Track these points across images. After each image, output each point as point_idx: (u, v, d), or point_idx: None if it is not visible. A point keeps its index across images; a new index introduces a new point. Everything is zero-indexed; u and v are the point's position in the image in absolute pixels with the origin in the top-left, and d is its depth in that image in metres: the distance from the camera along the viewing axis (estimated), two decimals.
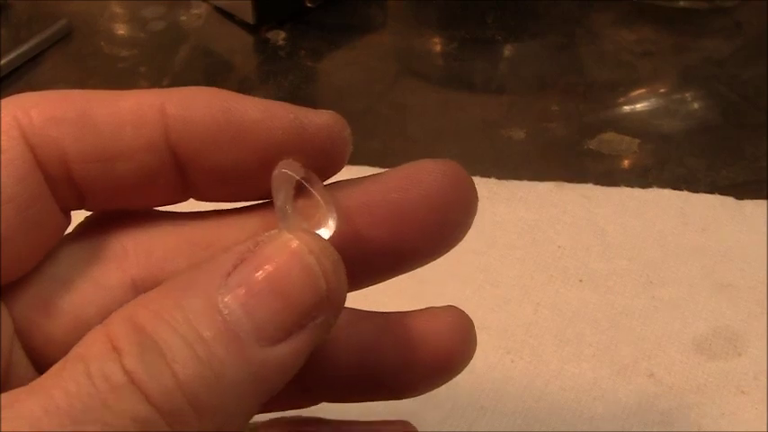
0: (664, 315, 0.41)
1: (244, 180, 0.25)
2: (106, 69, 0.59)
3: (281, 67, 0.58)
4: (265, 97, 0.54)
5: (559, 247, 0.44)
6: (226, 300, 0.22)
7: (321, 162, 0.25)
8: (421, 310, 0.28)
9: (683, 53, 0.58)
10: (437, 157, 0.48)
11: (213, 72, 0.59)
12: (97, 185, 0.24)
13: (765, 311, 0.41)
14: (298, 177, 0.24)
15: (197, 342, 0.21)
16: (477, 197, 0.27)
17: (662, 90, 0.56)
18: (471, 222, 0.28)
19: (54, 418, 0.19)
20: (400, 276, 0.42)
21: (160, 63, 0.59)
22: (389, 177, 0.26)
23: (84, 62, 0.59)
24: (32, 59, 0.58)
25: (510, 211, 0.46)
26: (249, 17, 0.60)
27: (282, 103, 0.25)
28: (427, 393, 0.38)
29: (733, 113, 0.53)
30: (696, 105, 0.54)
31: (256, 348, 0.21)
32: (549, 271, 0.43)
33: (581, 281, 0.42)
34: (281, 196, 0.24)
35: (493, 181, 0.48)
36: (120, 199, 0.25)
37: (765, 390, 0.38)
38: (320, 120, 0.25)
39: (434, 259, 0.28)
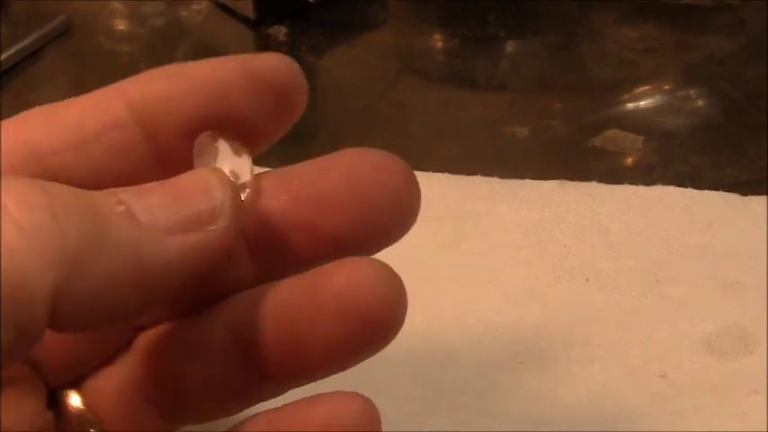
0: (672, 314, 0.41)
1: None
2: (106, 65, 0.58)
3: None
4: None
5: (565, 246, 0.44)
6: (125, 193, 0.23)
7: (277, 103, 0.27)
8: (338, 261, 0.25)
9: (685, 51, 0.58)
10: (438, 156, 0.48)
11: None
12: (76, 175, 0.25)
13: None
14: (219, 144, 0.26)
15: (87, 208, 0.22)
16: (410, 185, 0.27)
17: (665, 87, 0.55)
18: (409, 212, 0.27)
19: None
20: (405, 279, 0.42)
21: (160, 59, 0.58)
22: (312, 161, 0.27)
23: (83, 58, 0.59)
24: (31, 55, 0.58)
25: (513, 210, 0.45)
26: (250, 13, 0.60)
27: (231, 56, 0.27)
28: (432, 395, 0.38)
29: (736, 111, 0.53)
30: (699, 103, 0.54)
31: (147, 230, 0.22)
32: (556, 271, 0.43)
33: (587, 280, 0.42)
34: (201, 162, 0.26)
35: (495, 180, 0.47)
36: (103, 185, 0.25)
37: None
38: (269, 62, 0.27)
39: (372, 250, 0.27)
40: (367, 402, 0.26)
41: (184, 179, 0.24)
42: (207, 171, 0.25)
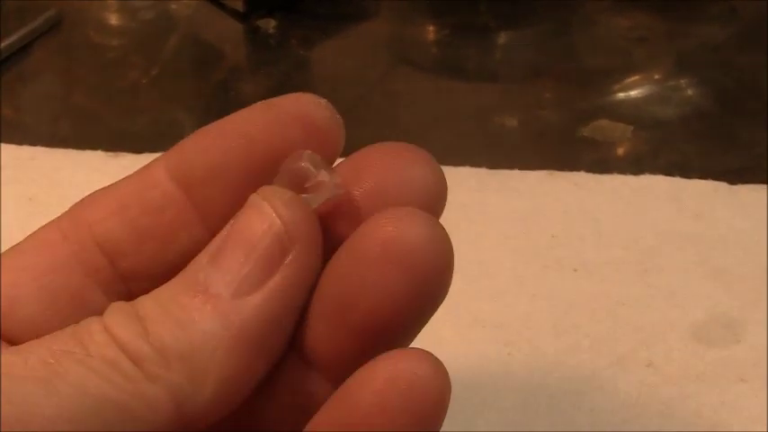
0: (660, 303, 0.41)
1: (241, 175, 0.25)
2: (95, 59, 0.58)
3: (271, 55, 0.58)
4: (256, 86, 0.54)
5: (553, 236, 0.44)
6: (204, 268, 0.23)
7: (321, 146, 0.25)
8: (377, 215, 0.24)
9: (677, 39, 0.58)
10: (428, 146, 0.48)
11: (203, 61, 0.59)
12: (117, 236, 0.25)
13: (762, 298, 0.40)
14: (302, 164, 0.24)
15: (172, 304, 0.22)
16: (440, 181, 0.26)
17: (656, 77, 0.55)
18: (440, 208, 0.27)
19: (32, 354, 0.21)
20: None
21: (150, 52, 0.58)
22: (347, 160, 0.26)
23: (73, 52, 0.59)
24: (22, 49, 0.58)
25: (502, 200, 0.45)
26: (239, 5, 0.59)
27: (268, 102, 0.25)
28: None
29: (728, 100, 0.53)
30: (691, 92, 0.54)
31: (229, 302, 0.22)
32: (544, 261, 0.43)
33: (576, 270, 0.42)
34: (276, 178, 0.24)
35: (484, 171, 0.47)
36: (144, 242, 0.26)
37: (765, 377, 0.38)
38: (307, 104, 0.25)
39: None
40: (437, 360, 0.24)
41: (244, 222, 0.23)
42: (258, 200, 0.23)
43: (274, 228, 0.23)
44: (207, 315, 0.22)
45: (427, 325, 0.39)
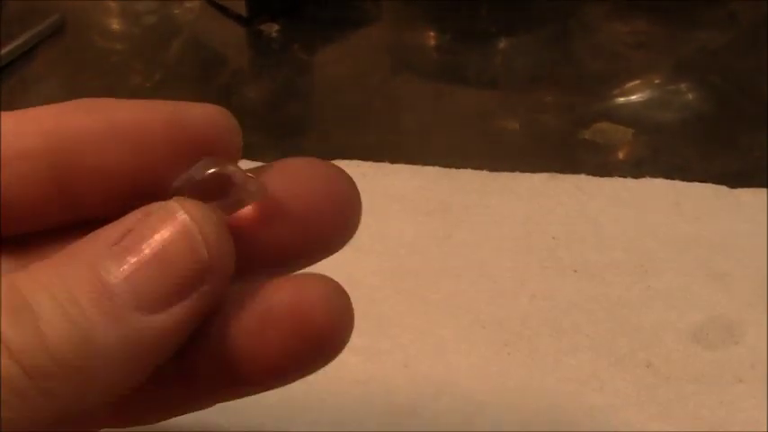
0: (660, 305, 0.41)
1: (130, 186, 0.25)
2: (99, 63, 0.59)
3: (274, 60, 0.58)
4: (259, 90, 0.55)
5: (553, 238, 0.44)
6: (106, 264, 0.21)
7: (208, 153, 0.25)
8: (285, 277, 0.24)
9: (676, 44, 0.58)
10: (429, 150, 0.48)
11: (206, 65, 0.59)
12: None
13: (761, 300, 0.41)
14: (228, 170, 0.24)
15: (70, 304, 0.21)
16: (354, 198, 0.26)
17: (656, 81, 0.56)
18: (353, 226, 0.26)
19: None
20: (391, 269, 0.42)
21: (153, 57, 0.59)
22: (256, 169, 0.26)
23: (76, 56, 0.59)
24: (25, 54, 0.58)
25: (503, 203, 0.46)
26: (242, 10, 0.60)
27: (161, 100, 0.25)
28: (422, 386, 0.38)
29: (727, 104, 0.53)
30: (690, 96, 0.54)
31: (134, 315, 0.21)
32: (544, 262, 0.43)
33: (576, 271, 0.42)
34: (183, 176, 0.24)
35: (485, 173, 0.47)
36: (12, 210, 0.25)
37: (763, 379, 0.38)
38: (198, 112, 0.25)
39: (311, 262, 0.27)
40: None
41: (168, 239, 0.22)
42: (186, 221, 0.22)
43: (199, 256, 0.22)
44: (109, 327, 0.21)
45: (428, 325, 0.40)
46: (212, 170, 0.24)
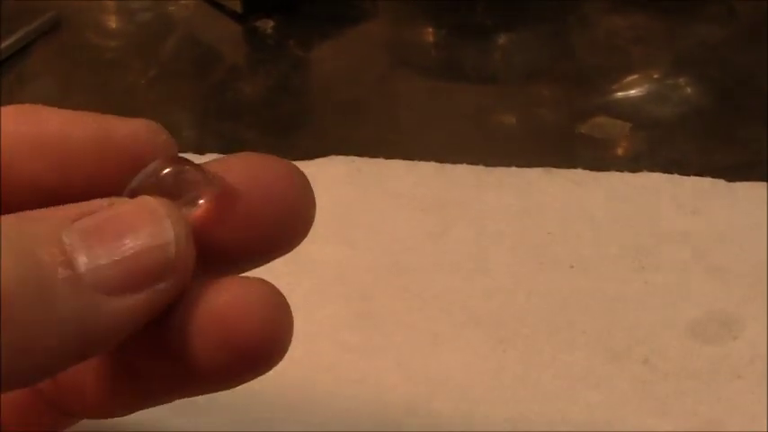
0: (657, 300, 0.40)
1: (59, 196, 0.24)
2: (94, 60, 0.59)
3: (269, 56, 0.58)
4: (254, 87, 0.55)
5: (549, 233, 0.44)
6: (70, 235, 0.21)
7: (133, 171, 0.24)
8: (224, 279, 0.24)
9: (675, 39, 0.58)
10: (426, 146, 0.48)
11: (201, 62, 0.59)
12: None
13: (760, 295, 0.40)
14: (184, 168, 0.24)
15: (27, 254, 0.20)
16: (308, 195, 0.26)
17: (655, 76, 0.55)
18: (306, 224, 0.26)
19: None
20: (386, 266, 0.42)
21: (148, 53, 0.58)
22: (209, 163, 0.25)
23: (71, 54, 0.59)
24: (20, 51, 0.58)
25: (498, 198, 0.45)
26: (237, 7, 0.60)
27: (91, 113, 0.25)
28: (416, 384, 0.38)
29: (726, 98, 0.53)
30: (689, 90, 0.54)
31: (89, 291, 0.21)
32: (540, 258, 0.42)
33: (572, 267, 0.42)
34: (138, 177, 0.24)
35: (480, 168, 0.47)
36: None
37: (763, 374, 0.37)
38: (127, 128, 0.24)
39: (261, 261, 0.26)
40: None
41: (139, 232, 0.22)
42: (164, 219, 0.22)
43: (166, 253, 0.22)
44: (65, 293, 0.21)
45: (422, 322, 0.40)
46: (168, 170, 0.23)
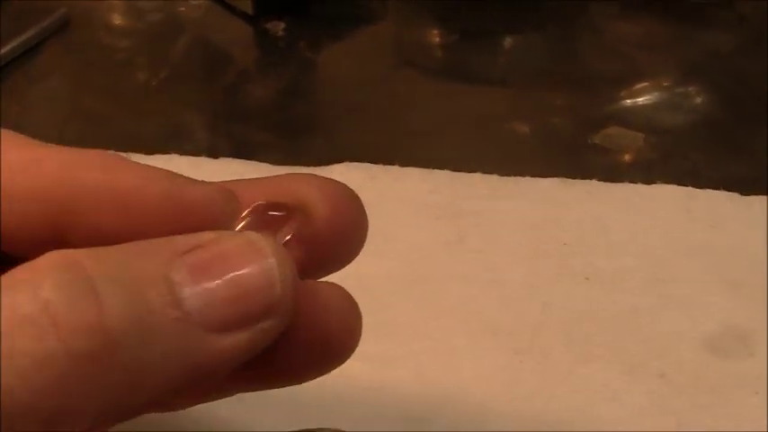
0: (673, 313, 0.40)
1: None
2: (103, 60, 0.58)
3: (280, 58, 0.58)
4: (265, 90, 0.55)
5: (565, 244, 0.44)
6: (179, 272, 0.21)
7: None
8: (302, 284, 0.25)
9: (685, 46, 0.58)
10: (437, 151, 0.48)
11: (212, 64, 0.58)
12: None
13: None
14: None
15: (137, 294, 0.20)
16: (362, 216, 0.27)
17: (665, 84, 0.55)
18: (360, 241, 0.28)
19: None
20: (402, 275, 0.42)
21: (158, 54, 0.58)
22: (258, 181, 0.27)
23: (81, 53, 0.59)
24: (30, 50, 0.58)
25: (513, 208, 0.45)
26: (248, 8, 0.59)
27: (165, 171, 0.25)
28: (433, 394, 0.38)
29: (738, 107, 0.53)
30: (700, 99, 0.54)
31: (198, 329, 0.21)
32: (556, 269, 0.43)
33: (588, 279, 0.42)
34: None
35: (495, 178, 0.47)
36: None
37: None
38: (197, 192, 0.25)
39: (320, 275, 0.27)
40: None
41: (248, 269, 0.22)
42: (271, 259, 0.22)
43: (272, 292, 0.22)
44: (171, 333, 0.21)
45: (439, 332, 0.40)
46: (275, 213, 0.25)
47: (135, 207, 0.24)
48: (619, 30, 0.60)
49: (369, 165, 0.47)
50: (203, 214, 0.24)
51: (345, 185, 0.27)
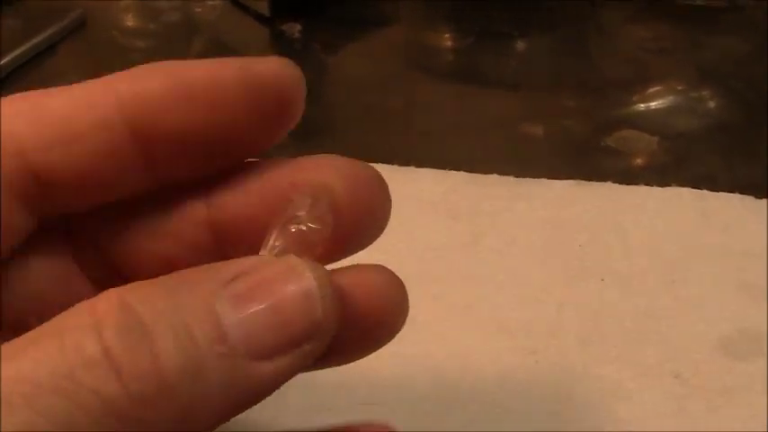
0: (687, 315, 0.41)
1: (204, 145, 0.25)
2: (120, 60, 0.58)
3: (295, 60, 0.57)
4: None
5: (580, 246, 0.44)
6: (222, 305, 0.22)
7: (276, 110, 0.25)
8: (346, 267, 0.26)
9: (698, 51, 0.58)
10: (451, 153, 0.48)
11: None
12: (59, 176, 0.24)
13: None
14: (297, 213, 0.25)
15: (185, 335, 0.21)
16: (385, 198, 0.28)
17: (679, 88, 0.55)
18: (383, 223, 0.28)
19: (15, 385, 0.19)
20: (418, 274, 0.42)
21: (174, 55, 0.58)
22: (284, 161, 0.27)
23: (97, 53, 0.59)
24: (47, 50, 0.58)
25: (529, 209, 0.46)
26: (264, 10, 0.60)
27: (228, 57, 0.25)
28: (448, 393, 0.38)
29: (750, 112, 0.53)
30: (713, 103, 0.54)
31: (242, 360, 0.21)
32: (571, 270, 0.43)
33: (603, 280, 0.42)
34: (274, 234, 0.25)
35: (511, 179, 0.47)
36: (87, 191, 0.25)
37: None
38: (265, 65, 0.25)
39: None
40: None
41: (289, 294, 0.22)
42: (311, 282, 0.23)
43: (314, 316, 0.23)
44: (218, 367, 0.21)
45: (455, 332, 0.40)
46: (294, 229, 0.24)
47: (211, 98, 0.24)
48: (632, 34, 0.60)
49: (384, 165, 0.47)
50: (275, 86, 0.25)
51: (368, 165, 0.27)
